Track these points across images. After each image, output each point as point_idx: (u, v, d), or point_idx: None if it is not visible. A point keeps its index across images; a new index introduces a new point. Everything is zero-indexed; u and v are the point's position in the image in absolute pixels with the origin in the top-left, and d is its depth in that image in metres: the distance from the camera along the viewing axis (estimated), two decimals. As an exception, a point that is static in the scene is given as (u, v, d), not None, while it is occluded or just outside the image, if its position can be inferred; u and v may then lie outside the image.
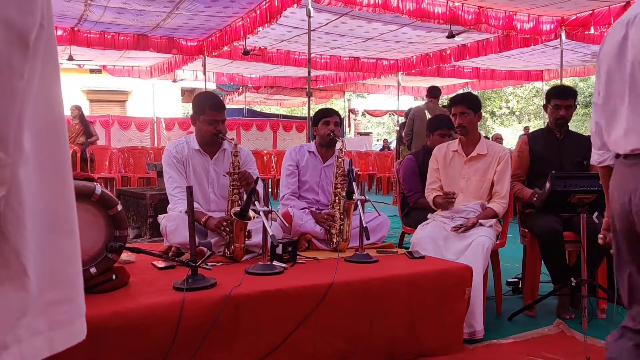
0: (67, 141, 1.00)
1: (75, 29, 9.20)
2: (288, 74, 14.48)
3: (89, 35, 9.41)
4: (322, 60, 11.97)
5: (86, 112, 15.15)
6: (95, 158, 9.13)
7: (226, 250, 2.63)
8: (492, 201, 3.13)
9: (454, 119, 3.24)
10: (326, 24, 8.93)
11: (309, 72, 7.09)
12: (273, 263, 2.40)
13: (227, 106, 8.36)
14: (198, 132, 2.92)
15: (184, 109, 19.78)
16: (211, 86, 13.73)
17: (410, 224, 3.50)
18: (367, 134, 21.24)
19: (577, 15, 8.29)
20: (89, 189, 1.93)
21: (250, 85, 15.96)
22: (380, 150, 16.19)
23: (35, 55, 0.84)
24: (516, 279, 3.68)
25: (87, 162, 8.73)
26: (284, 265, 2.42)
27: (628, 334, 1.63)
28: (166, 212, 2.88)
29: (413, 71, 12.39)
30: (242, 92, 17.28)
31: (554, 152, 3.37)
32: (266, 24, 7.72)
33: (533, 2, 7.68)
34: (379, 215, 3.17)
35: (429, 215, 3.23)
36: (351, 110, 20.65)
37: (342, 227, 2.95)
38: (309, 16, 6.68)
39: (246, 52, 9.57)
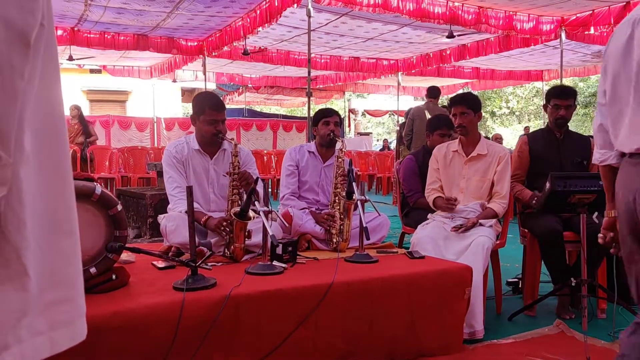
0: (67, 141, 1.00)
1: (75, 29, 9.20)
2: (288, 74, 14.48)
3: (89, 35, 9.41)
4: (322, 60, 11.97)
5: (86, 112, 15.18)
6: (95, 158, 9.13)
7: (226, 250, 2.63)
8: (492, 201, 3.13)
9: (454, 119, 3.24)
10: (326, 24, 8.93)
11: (309, 72, 7.09)
12: (273, 263, 2.40)
13: (227, 106, 8.37)
14: (198, 132, 2.92)
15: (184, 109, 19.79)
16: (211, 86, 13.74)
17: (410, 224, 3.50)
18: (367, 134, 21.24)
19: (577, 15, 8.30)
20: (89, 189, 1.93)
21: (250, 85, 15.96)
22: (380, 150, 16.20)
23: (36, 55, 0.84)
24: (516, 279, 3.68)
25: (87, 162, 8.73)
26: (284, 265, 2.42)
27: None
28: (166, 212, 2.88)
29: (413, 71, 12.39)
30: (242, 92, 17.28)
31: (554, 152, 3.37)
32: (266, 24, 7.72)
33: (533, 2, 7.68)
34: (379, 215, 3.17)
35: (429, 216, 3.23)
36: (351, 111, 20.65)
37: (342, 227, 2.95)
38: (309, 16, 6.68)
39: (246, 52, 9.57)
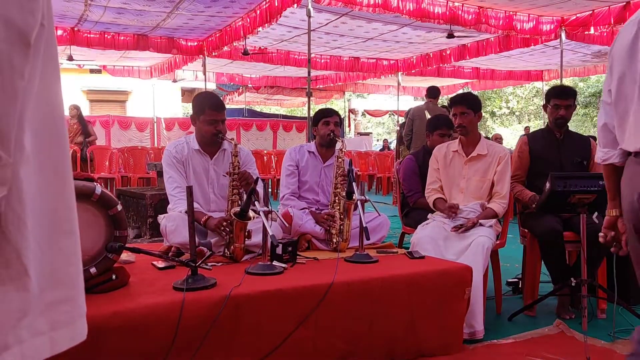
0: (67, 141, 1.00)
1: (75, 29, 9.21)
2: (288, 74, 14.48)
3: (89, 35, 9.41)
4: (322, 60, 11.97)
5: (86, 112, 15.19)
6: (95, 158, 9.13)
7: (226, 250, 2.63)
8: (492, 201, 3.13)
9: (454, 119, 3.24)
10: (326, 24, 8.93)
11: (309, 72, 7.09)
12: (273, 263, 2.40)
13: (227, 106, 8.38)
14: (198, 132, 2.92)
15: (184, 109, 19.79)
16: (211, 86, 13.74)
17: (410, 224, 3.50)
18: (367, 134, 21.24)
19: (577, 15, 8.30)
20: (89, 189, 1.93)
21: (250, 85, 15.97)
22: (380, 150, 16.20)
23: (36, 55, 0.84)
24: (516, 279, 3.68)
25: (88, 161, 8.73)
26: (284, 265, 2.42)
27: None
28: (166, 212, 2.88)
29: (413, 71, 12.40)
30: (242, 92, 17.29)
31: (554, 152, 3.37)
32: (266, 24, 7.73)
33: (533, 2, 7.68)
34: (379, 215, 3.17)
35: (429, 216, 3.24)
36: (351, 111, 20.65)
37: (342, 227, 2.95)
38: (309, 16, 6.68)
39: (246, 52, 9.58)
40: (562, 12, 8.27)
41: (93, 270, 1.92)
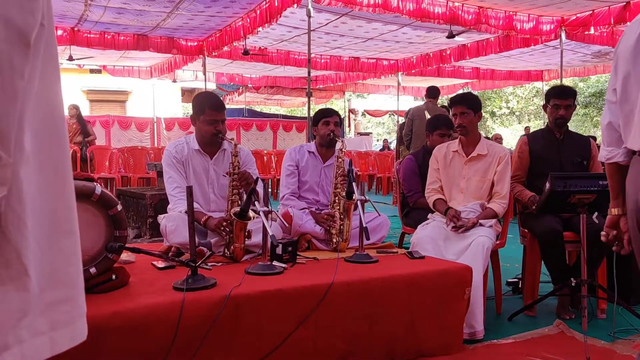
0: (67, 141, 1.00)
1: (75, 29, 9.21)
2: (288, 74, 14.48)
3: (89, 35, 9.41)
4: (322, 60, 11.97)
5: (86, 112, 15.21)
6: (95, 158, 9.13)
7: (226, 251, 2.63)
8: (492, 201, 3.13)
9: (454, 119, 3.24)
10: (326, 24, 8.93)
11: (309, 72, 7.09)
12: (273, 263, 2.40)
13: (227, 106, 8.38)
14: (198, 132, 2.92)
15: (184, 109, 19.79)
16: (211, 86, 13.74)
17: (410, 224, 3.50)
18: (367, 134, 21.24)
19: (577, 15, 8.30)
20: (89, 189, 1.93)
21: (250, 85, 15.97)
22: (380, 150, 16.20)
23: (36, 55, 0.84)
24: (516, 279, 3.68)
25: (88, 161, 8.73)
26: (284, 265, 2.42)
27: None
28: (166, 212, 2.88)
29: (413, 71, 12.40)
30: (242, 92, 17.29)
31: (554, 152, 3.37)
32: (266, 24, 7.73)
33: (533, 2, 7.68)
34: (379, 215, 3.17)
35: (429, 216, 3.23)
36: (351, 111, 20.65)
37: (342, 227, 2.95)
38: (309, 16, 6.68)
39: (246, 52, 9.58)
40: (562, 12, 8.27)
41: (93, 270, 1.92)
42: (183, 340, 1.82)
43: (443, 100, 14.14)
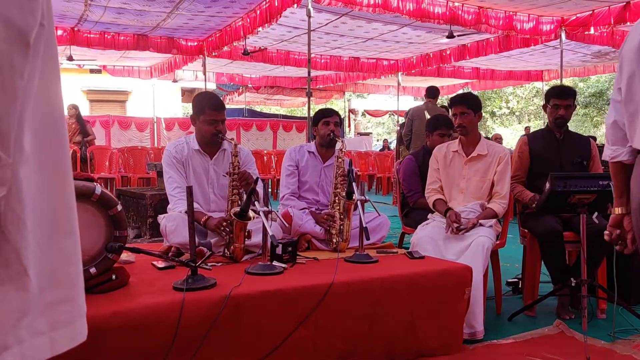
0: (67, 141, 1.00)
1: (75, 29, 9.21)
2: (288, 74, 14.48)
3: (89, 35, 9.42)
4: (322, 61, 11.97)
5: (86, 112, 15.21)
6: (95, 158, 9.13)
7: (226, 251, 2.63)
8: (492, 201, 3.13)
9: (454, 119, 3.24)
10: (326, 24, 8.93)
11: (309, 72, 7.09)
12: (273, 263, 2.40)
13: (227, 106, 8.38)
14: (198, 132, 2.92)
15: (184, 109, 19.79)
16: (211, 86, 13.74)
17: (410, 224, 3.50)
18: (367, 134, 21.24)
19: (577, 15, 8.30)
20: (89, 189, 1.93)
21: (250, 86, 15.97)
22: (380, 150, 16.20)
23: (36, 55, 0.84)
24: (516, 279, 3.68)
25: (87, 161, 8.73)
26: (283, 265, 2.42)
27: None
28: (166, 212, 2.88)
29: (413, 71, 12.40)
30: (242, 92, 17.29)
31: (554, 152, 3.37)
32: (266, 24, 7.73)
33: (533, 2, 7.68)
34: (379, 215, 3.17)
35: (429, 216, 3.23)
36: (351, 111, 20.65)
37: (342, 227, 2.95)
38: (309, 16, 6.68)
39: (246, 52, 9.57)
40: (562, 12, 8.27)
41: (93, 270, 1.92)
42: (183, 340, 1.82)
43: (443, 100, 14.14)
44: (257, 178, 2.65)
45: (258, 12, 7.82)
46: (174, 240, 2.66)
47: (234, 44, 9.44)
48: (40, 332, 0.90)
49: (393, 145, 14.87)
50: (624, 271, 3.18)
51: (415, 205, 3.54)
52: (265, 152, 11.64)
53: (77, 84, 15.88)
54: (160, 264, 2.40)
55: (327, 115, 3.23)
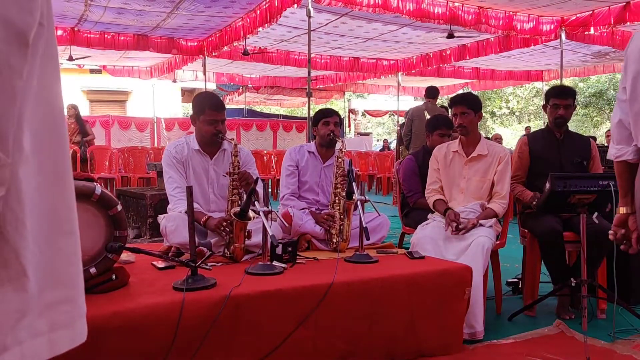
0: (67, 141, 0.99)
1: (75, 29, 9.21)
2: (288, 74, 14.48)
3: (89, 35, 9.42)
4: (322, 61, 11.97)
5: (86, 112, 15.21)
6: (95, 158, 9.12)
7: (226, 251, 2.63)
8: (492, 201, 3.13)
9: (454, 119, 3.24)
10: (326, 24, 8.93)
11: (309, 72, 7.09)
12: (273, 263, 2.40)
13: (227, 106, 8.38)
14: (198, 132, 2.92)
15: (184, 109, 19.79)
16: (211, 86, 13.74)
17: (410, 224, 3.50)
18: (367, 134, 21.24)
19: (577, 15, 8.30)
20: (89, 189, 1.92)
21: (250, 86, 15.97)
22: (380, 150, 16.20)
23: (35, 55, 0.84)
24: (516, 279, 3.68)
25: (87, 161, 8.73)
26: (283, 265, 2.42)
27: None
28: (166, 212, 2.88)
29: (413, 71, 12.40)
30: (242, 93, 17.28)
31: (554, 152, 3.37)
32: (266, 24, 7.73)
33: (533, 3, 7.68)
34: (379, 215, 3.17)
35: (429, 216, 3.23)
36: (351, 111, 20.65)
37: (342, 227, 2.95)
38: (309, 16, 6.68)
39: (246, 52, 9.57)
40: (562, 12, 8.27)
41: (93, 270, 1.92)
42: (183, 340, 1.82)
43: (443, 100, 14.14)
44: (257, 178, 2.65)
45: (258, 12, 7.82)
46: (174, 240, 2.66)
47: (234, 44, 9.44)
48: (39, 333, 0.90)
49: (393, 145, 14.88)
50: (624, 271, 3.18)
51: (415, 206, 3.54)
52: (265, 152, 11.64)
53: (77, 84, 15.89)
54: (160, 264, 2.40)
55: (327, 115, 3.23)
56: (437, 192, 3.24)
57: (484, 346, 2.62)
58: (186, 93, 18.56)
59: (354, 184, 2.80)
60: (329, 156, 3.27)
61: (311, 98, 7.80)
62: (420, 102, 10.55)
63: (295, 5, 7.01)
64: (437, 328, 2.44)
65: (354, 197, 2.81)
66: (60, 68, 0.98)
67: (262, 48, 10.82)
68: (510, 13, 8.21)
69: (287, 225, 2.93)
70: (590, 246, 2.84)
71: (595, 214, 2.74)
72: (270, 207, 2.42)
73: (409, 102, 17.75)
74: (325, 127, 3.20)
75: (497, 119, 29.03)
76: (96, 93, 17.27)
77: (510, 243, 3.61)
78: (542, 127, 3.93)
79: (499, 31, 8.45)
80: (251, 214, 2.48)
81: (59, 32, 8.90)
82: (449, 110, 3.43)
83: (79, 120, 8.97)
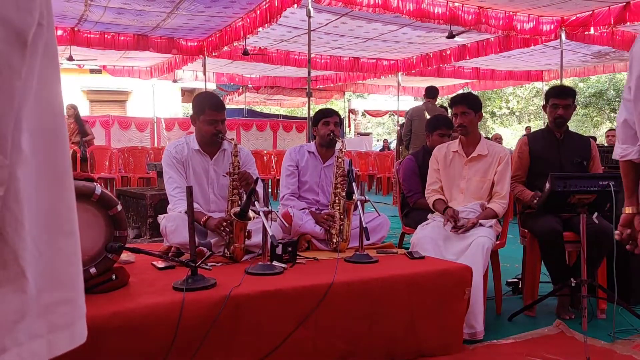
0: (67, 141, 0.99)
1: (75, 29, 9.21)
2: (288, 74, 14.48)
3: (89, 36, 9.42)
4: (322, 61, 11.97)
5: (86, 112, 15.21)
6: (95, 158, 9.12)
7: (226, 251, 2.63)
8: (492, 201, 3.13)
9: (454, 119, 3.24)
10: (326, 24, 8.93)
11: (309, 72, 7.09)
12: (273, 263, 2.40)
13: (227, 106, 8.38)
14: (198, 132, 2.92)
15: (184, 109, 19.79)
16: (211, 86, 13.74)
17: (410, 224, 3.50)
18: (367, 134, 21.24)
19: (577, 15, 8.30)
20: (89, 189, 1.92)
21: (250, 86, 15.97)
22: (380, 150, 16.20)
23: (34, 55, 0.84)
24: (516, 279, 3.68)
25: (87, 161, 8.73)
26: (283, 265, 2.42)
27: None
28: (166, 213, 2.88)
29: (413, 71, 12.40)
30: (242, 93, 17.29)
31: (554, 152, 3.37)
32: (266, 24, 7.73)
33: (533, 3, 7.68)
34: (379, 215, 3.17)
35: (429, 216, 3.23)
36: (351, 111, 20.65)
37: (342, 227, 2.95)
38: (309, 16, 6.68)
39: (246, 52, 9.57)
40: (562, 13, 8.27)
41: (93, 270, 1.92)
42: (183, 340, 1.82)
43: (443, 100, 14.14)
44: (257, 178, 2.65)
45: (258, 12, 7.82)
46: (174, 241, 2.66)
47: (234, 44, 9.44)
48: (38, 335, 0.89)
49: (393, 146, 14.87)
50: (624, 271, 3.18)
51: (415, 206, 3.54)
52: (265, 152, 11.64)
53: (77, 84, 15.88)
54: (160, 264, 2.40)
55: (327, 115, 3.23)
56: (437, 192, 3.24)
57: (484, 346, 2.61)
58: (186, 93, 18.56)
59: (354, 184, 2.80)
60: (329, 156, 3.27)
61: (311, 98, 7.80)
62: (420, 102, 10.55)
63: (295, 5, 7.01)
64: (437, 328, 2.44)
65: (354, 197, 2.81)
66: (60, 68, 0.98)
67: (262, 48, 10.82)
68: (510, 13, 8.21)
69: (287, 225, 2.93)
70: (590, 246, 2.83)
71: (595, 214, 2.74)
72: (270, 207, 2.42)
73: (409, 102, 17.74)
74: (325, 127, 3.20)
75: (497, 119, 29.03)
76: (96, 93, 17.26)
77: (510, 243, 3.61)
78: (542, 127, 3.93)
79: (499, 31, 8.45)
80: (251, 214, 2.48)
81: (59, 32, 8.91)
82: (449, 110, 3.43)
83: (78, 120, 8.97)
